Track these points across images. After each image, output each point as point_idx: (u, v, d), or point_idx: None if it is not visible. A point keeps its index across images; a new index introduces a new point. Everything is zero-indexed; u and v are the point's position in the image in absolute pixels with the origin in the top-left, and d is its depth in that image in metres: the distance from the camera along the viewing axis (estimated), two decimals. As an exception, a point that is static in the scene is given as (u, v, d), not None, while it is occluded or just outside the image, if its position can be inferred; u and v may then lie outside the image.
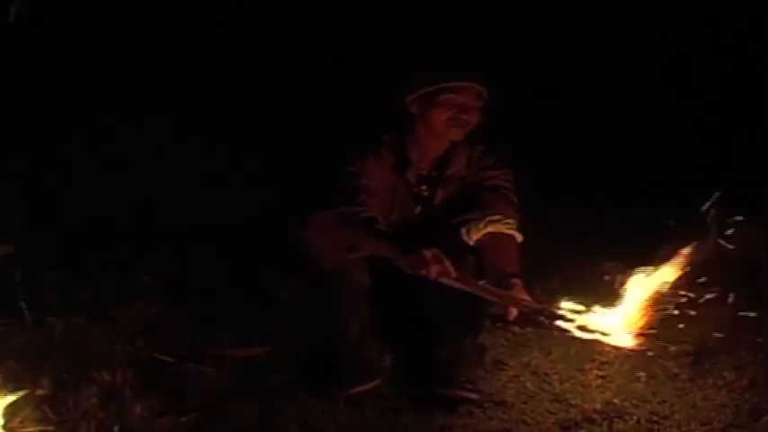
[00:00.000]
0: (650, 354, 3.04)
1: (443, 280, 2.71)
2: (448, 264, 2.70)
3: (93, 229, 4.14)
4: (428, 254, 2.69)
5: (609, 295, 2.78)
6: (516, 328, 3.31)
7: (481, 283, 2.80)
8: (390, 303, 2.97)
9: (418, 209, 3.10)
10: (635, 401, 2.82)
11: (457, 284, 2.74)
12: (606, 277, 3.22)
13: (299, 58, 5.12)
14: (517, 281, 2.88)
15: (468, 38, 4.75)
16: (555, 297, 3.24)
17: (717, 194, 2.89)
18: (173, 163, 4.55)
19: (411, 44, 4.58)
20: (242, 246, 4.02)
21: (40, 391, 2.72)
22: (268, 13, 5.18)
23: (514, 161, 3.17)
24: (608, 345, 2.79)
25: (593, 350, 3.10)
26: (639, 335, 2.71)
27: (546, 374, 3.04)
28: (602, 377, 2.98)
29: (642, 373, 2.99)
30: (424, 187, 3.09)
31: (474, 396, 2.85)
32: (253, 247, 3.96)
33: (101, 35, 4.91)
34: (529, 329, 3.31)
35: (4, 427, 2.47)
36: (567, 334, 2.70)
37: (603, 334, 2.68)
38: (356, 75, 4.91)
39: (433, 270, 2.68)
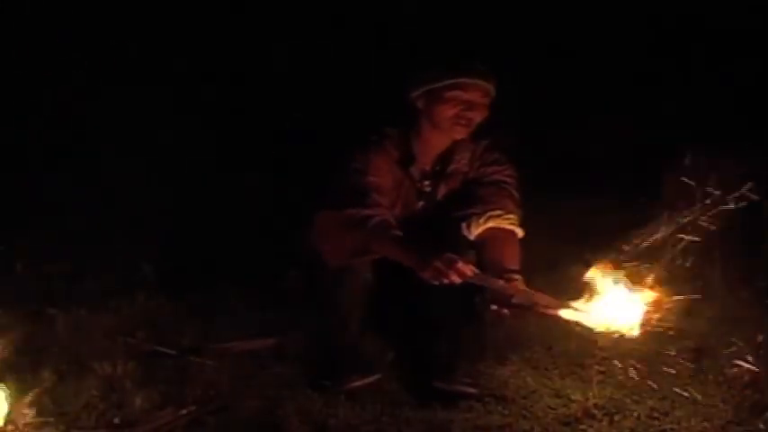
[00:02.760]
0: (651, 350, 3.05)
1: (469, 280, 2.69)
2: (462, 264, 2.66)
3: (95, 220, 4.13)
4: (441, 264, 2.65)
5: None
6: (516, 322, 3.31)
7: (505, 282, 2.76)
8: (391, 298, 2.96)
9: (420, 204, 3.09)
10: (635, 397, 2.81)
11: (480, 282, 2.72)
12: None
13: (304, 51, 5.12)
14: (517, 276, 2.85)
15: (477, 32, 4.75)
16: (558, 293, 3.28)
17: None
18: (175, 156, 4.56)
19: (421, 39, 4.58)
20: (244, 238, 4.02)
21: (40, 383, 2.74)
22: (274, 4, 5.18)
23: (518, 156, 3.17)
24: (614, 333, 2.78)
25: (594, 346, 3.10)
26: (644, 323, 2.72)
27: (547, 369, 3.04)
28: (603, 373, 2.98)
29: (643, 370, 2.99)
30: (426, 182, 3.08)
31: (472, 391, 2.85)
32: (255, 240, 3.95)
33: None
34: (530, 323, 3.31)
35: (7, 418, 2.48)
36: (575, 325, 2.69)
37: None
38: (362, 68, 4.90)
39: (453, 277, 2.65)
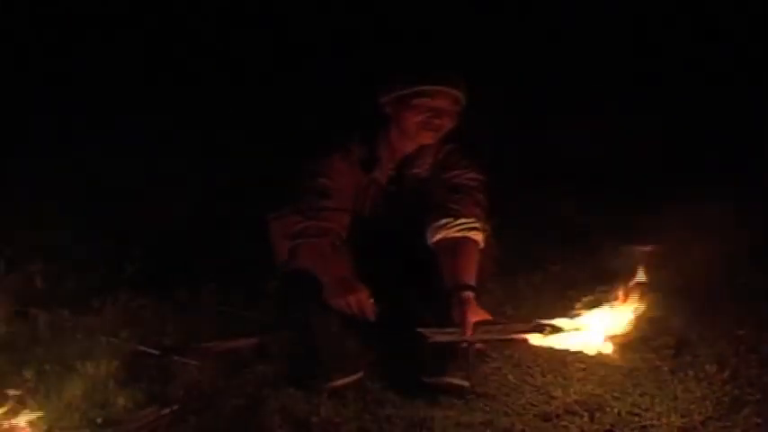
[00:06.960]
0: (632, 346, 3.07)
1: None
2: (372, 310, 2.82)
3: (78, 220, 4.12)
4: (352, 301, 2.82)
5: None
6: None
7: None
8: (374, 293, 2.96)
9: (387, 206, 3.09)
10: (616, 394, 2.83)
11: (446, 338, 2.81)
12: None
13: (276, 55, 5.13)
14: (470, 294, 2.85)
15: (454, 38, 4.76)
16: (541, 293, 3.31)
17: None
18: (157, 157, 4.56)
19: (392, 45, 4.58)
20: (226, 238, 4.01)
21: (23, 383, 2.73)
22: (244, 9, 5.19)
23: (500, 158, 3.18)
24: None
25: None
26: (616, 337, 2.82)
27: (528, 367, 3.04)
28: (584, 369, 2.99)
29: (623, 366, 3.00)
30: (392, 186, 3.08)
31: (464, 383, 2.82)
32: (237, 239, 3.95)
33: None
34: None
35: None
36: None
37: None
38: (333, 72, 4.92)
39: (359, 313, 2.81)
